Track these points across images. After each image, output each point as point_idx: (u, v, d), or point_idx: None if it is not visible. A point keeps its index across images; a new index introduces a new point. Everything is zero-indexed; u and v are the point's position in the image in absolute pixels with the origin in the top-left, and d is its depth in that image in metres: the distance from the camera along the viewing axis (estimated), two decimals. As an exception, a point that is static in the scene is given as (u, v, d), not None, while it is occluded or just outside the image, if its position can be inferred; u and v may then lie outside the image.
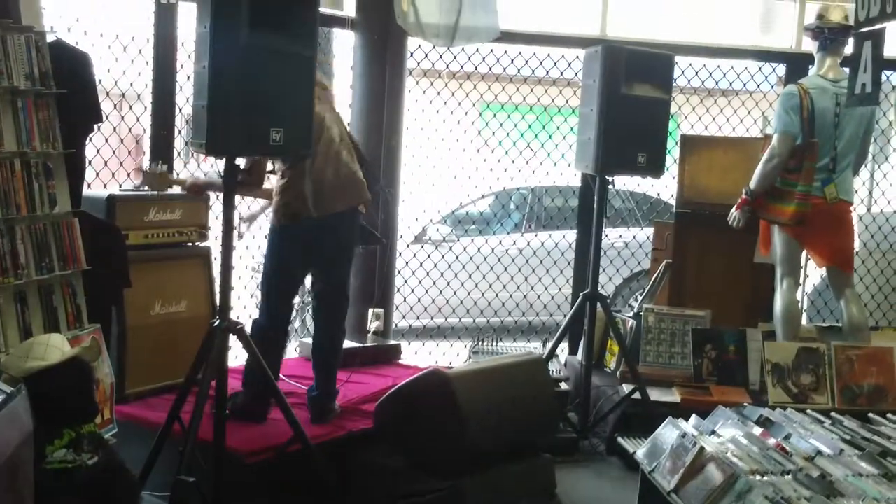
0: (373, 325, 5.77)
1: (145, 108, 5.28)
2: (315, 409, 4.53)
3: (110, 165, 5.24)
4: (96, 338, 3.82)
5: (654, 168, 5.12)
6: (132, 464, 3.62)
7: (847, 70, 4.92)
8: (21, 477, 2.72)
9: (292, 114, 3.78)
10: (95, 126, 4.38)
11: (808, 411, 3.62)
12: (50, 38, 3.98)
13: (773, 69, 6.70)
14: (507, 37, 6.03)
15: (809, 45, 5.53)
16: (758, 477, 2.76)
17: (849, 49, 5.25)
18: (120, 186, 5.01)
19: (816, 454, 2.97)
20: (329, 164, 4.45)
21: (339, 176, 4.47)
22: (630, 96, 4.94)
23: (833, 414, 3.60)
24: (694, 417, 3.42)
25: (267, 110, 3.69)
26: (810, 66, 5.59)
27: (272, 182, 4.55)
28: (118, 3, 5.02)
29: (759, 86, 6.82)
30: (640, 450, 3.37)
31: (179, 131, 5.37)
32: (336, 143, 4.51)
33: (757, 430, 3.23)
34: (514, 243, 7.21)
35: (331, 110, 4.61)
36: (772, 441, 3.10)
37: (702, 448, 2.97)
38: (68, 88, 3.90)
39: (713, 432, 3.23)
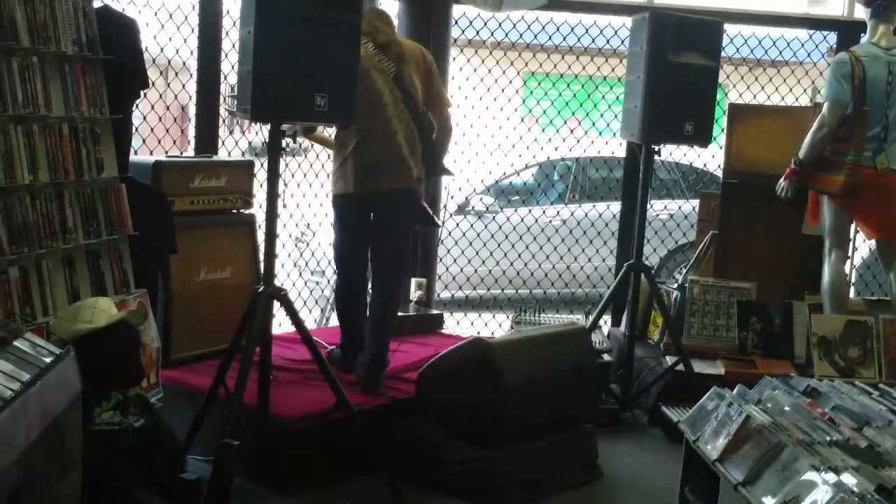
0: (415, 295, 5.77)
1: (191, 75, 5.30)
2: (365, 375, 4.55)
3: (156, 133, 5.28)
4: (143, 302, 3.87)
5: (702, 137, 5.04)
6: (177, 427, 3.68)
7: (901, 37, 4.84)
8: (69, 437, 2.75)
9: (337, 79, 3.77)
10: (142, 92, 4.41)
11: (856, 382, 3.57)
12: (97, 5, 4.01)
13: (825, 37, 6.58)
14: (554, 4, 5.98)
15: (861, 13, 5.41)
16: (804, 446, 2.72)
17: (903, 16, 5.16)
18: (166, 153, 5.05)
19: (864, 424, 2.93)
20: (378, 143, 4.48)
21: (386, 157, 4.50)
22: (677, 64, 4.86)
23: (881, 385, 3.55)
24: (739, 387, 3.39)
25: (311, 76, 3.69)
26: (862, 35, 5.47)
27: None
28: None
29: (809, 54, 6.70)
30: (684, 419, 3.35)
31: (224, 98, 5.39)
32: (393, 123, 4.50)
33: (804, 401, 3.19)
34: (558, 214, 7.17)
35: (395, 79, 4.49)
36: (819, 411, 3.07)
37: (747, 417, 2.94)
38: (115, 54, 3.92)
39: (759, 402, 3.20)
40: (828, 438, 2.82)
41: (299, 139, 4.34)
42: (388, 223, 4.65)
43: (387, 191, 4.53)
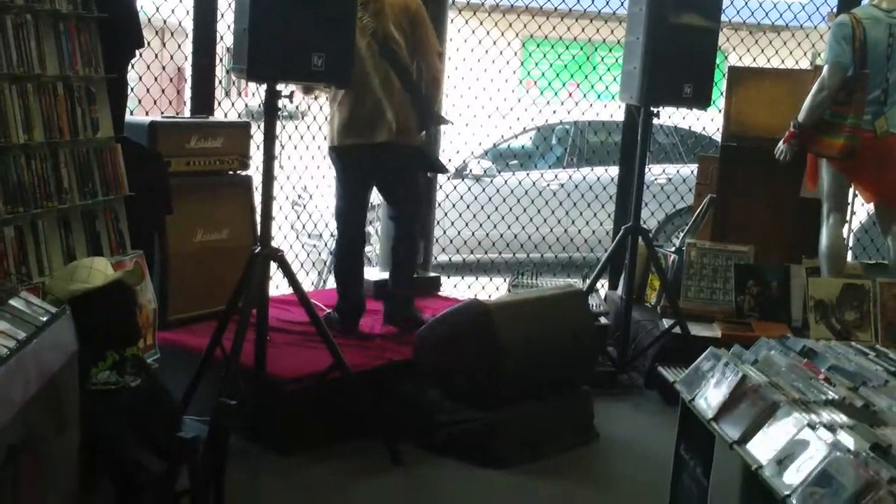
0: (412, 258, 5.75)
1: (187, 36, 5.26)
2: (388, 306, 4.90)
3: (152, 94, 5.25)
4: (139, 262, 3.85)
5: (701, 99, 5.02)
6: (174, 388, 3.68)
7: (902, -1, 4.80)
8: (65, 396, 2.76)
9: (334, 39, 3.75)
10: (137, 52, 4.38)
11: (853, 343, 3.57)
12: (91, -37, 3.96)
13: (825, 0, 6.53)
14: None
15: (863, -25, 5.37)
16: (800, 405, 2.72)
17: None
18: (162, 114, 5.02)
19: (860, 384, 2.93)
20: (357, 98, 4.57)
21: (365, 112, 4.59)
22: (677, 25, 4.83)
23: (878, 346, 3.55)
24: (736, 347, 3.38)
25: (308, 35, 3.67)
26: (864, -2, 5.44)
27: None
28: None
29: (809, 17, 6.66)
30: (680, 378, 3.35)
31: (220, 59, 5.35)
32: (370, 78, 4.57)
33: (800, 361, 3.19)
34: (556, 177, 7.15)
35: (373, 35, 4.57)
36: (815, 371, 3.06)
37: (744, 376, 2.93)
38: (109, 13, 3.89)
39: (755, 362, 3.19)
40: (823, 398, 2.81)
41: (296, 99, 4.34)
42: (388, 179, 4.81)
43: (366, 145, 4.64)
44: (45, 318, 2.69)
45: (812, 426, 2.53)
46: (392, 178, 4.82)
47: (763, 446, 2.62)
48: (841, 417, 2.64)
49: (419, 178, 5.03)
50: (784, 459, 2.48)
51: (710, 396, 3.03)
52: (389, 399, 4.30)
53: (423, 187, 5.30)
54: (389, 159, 4.71)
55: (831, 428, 2.50)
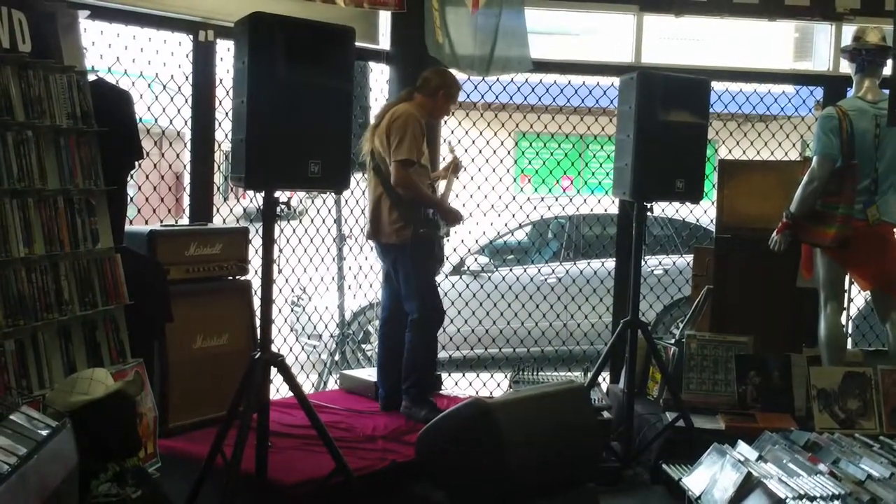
0: (412, 356, 5.74)
1: (185, 144, 5.34)
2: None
3: (151, 202, 5.30)
4: (139, 372, 3.85)
5: (693, 194, 5.07)
6: (176, 497, 3.64)
7: (886, 91, 4.90)
8: (66, 511, 2.74)
9: (330, 146, 3.81)
10: (136, 163, 4.45)
11: (857, 435, 3.56)
12: (91, 78, 4.06)
13: (811, 92, 6.65)
14: (543, 66, 6.06)
15: (847, 68, 5.48)
16: (806, 502, 2.71)
17: (887, 70, 5.24)
18: (161, 222, 5.07)
19: (866, 478, 2.92)
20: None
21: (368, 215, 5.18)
22: (666, 122, 4.91)
23: (882, 438, 3.54)
24: (740, 443, 3.38)
25: (305, 143, 3.74)
26: (848, 89, 5.54)
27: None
28: (157, 42, 5.10)
29: (796, 109, 6.78)
30: (685, 476, 3.33)
31: (219, 167, 5.42)
32: (368, 187, 5.17)
33: (805, 455, 3.18)
34: (553, 272, 7.18)
35: (371, 151, 5.07)
36: (821, 466, 3.05)
37: (749, 473, 2.93)
38: (109, 126, 3.96)
39: (760, 457, 3.18)
40: (830, 493, 2.80)
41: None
42: (390, 276, 5.21)
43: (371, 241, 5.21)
44: (45, 433, 2.68)
45: (820, 523, 2.52)
46: (392, 275, 5.16)
47: (771, 545, 2.61)
48: (848, 513, 2.63)
49: (418, 279, 5.04)
50: (793, 558, 2.47)
51: (717, 493, 3.02)
52: (394, 501, 4.25)
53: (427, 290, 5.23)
54: (382, 257, 5.19)
55: (839, 524, 2.50)
